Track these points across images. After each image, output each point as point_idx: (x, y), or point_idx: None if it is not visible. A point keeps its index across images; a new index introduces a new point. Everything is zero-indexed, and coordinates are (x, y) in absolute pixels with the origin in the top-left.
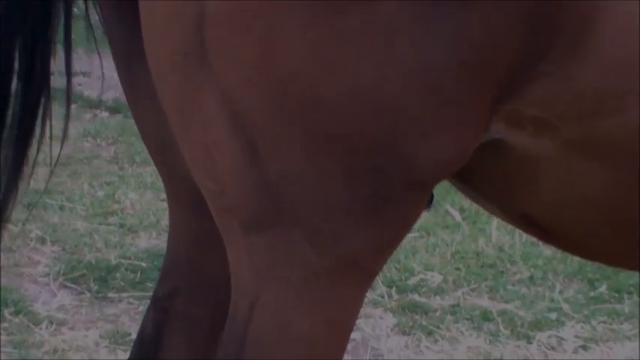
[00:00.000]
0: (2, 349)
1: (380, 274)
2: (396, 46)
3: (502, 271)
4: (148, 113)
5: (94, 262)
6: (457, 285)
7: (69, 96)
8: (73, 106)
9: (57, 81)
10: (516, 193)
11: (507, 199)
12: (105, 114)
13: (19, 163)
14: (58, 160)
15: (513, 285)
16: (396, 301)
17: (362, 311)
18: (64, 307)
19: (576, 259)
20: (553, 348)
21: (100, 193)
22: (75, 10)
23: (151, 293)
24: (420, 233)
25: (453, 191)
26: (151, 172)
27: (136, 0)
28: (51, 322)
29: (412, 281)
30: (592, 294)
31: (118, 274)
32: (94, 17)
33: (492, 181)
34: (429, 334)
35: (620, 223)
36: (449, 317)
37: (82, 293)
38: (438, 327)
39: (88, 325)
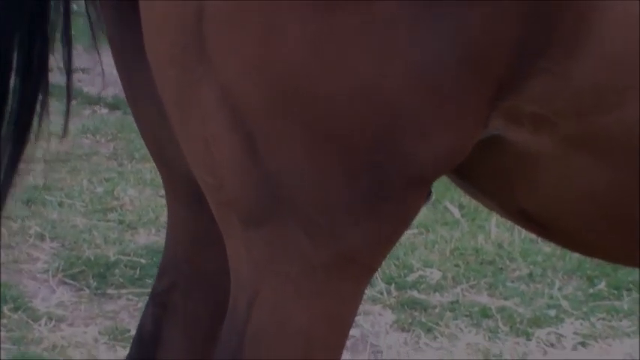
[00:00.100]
0: (1, 345)
1: (379, 270)
2: (396, 43)
3: (501, 268)
4: (147, 110)
5: (93, 258)
6: (456, 282)
7: (69, 93)
8: (73, 103)
9: (56, 77)
10: (515, 188)
11: (506, 195)
12: (104, 110)
13: (16, 159)
14: (54, 156)
15: (512, 282)
16: (395, 297)
17: (361, 308)
18: (63, 304)
19: (575, 256)
20: (552, 345)
21: (100, 190)
22: (74, 6)
23: (150, 290)
24: (419, 230)
25: (453, 188)
26: (150, 169)
27: None
28: (50, 319)
29: (411, 278)
30: (591, 291)
31: (117, 271)
32: (94, 14)
33: (491, 177)
34: (428, 330)
35: (617, 218)
36: (448, 314)
37: (81, 289)
38: (437, 324)
39: (87, 321)
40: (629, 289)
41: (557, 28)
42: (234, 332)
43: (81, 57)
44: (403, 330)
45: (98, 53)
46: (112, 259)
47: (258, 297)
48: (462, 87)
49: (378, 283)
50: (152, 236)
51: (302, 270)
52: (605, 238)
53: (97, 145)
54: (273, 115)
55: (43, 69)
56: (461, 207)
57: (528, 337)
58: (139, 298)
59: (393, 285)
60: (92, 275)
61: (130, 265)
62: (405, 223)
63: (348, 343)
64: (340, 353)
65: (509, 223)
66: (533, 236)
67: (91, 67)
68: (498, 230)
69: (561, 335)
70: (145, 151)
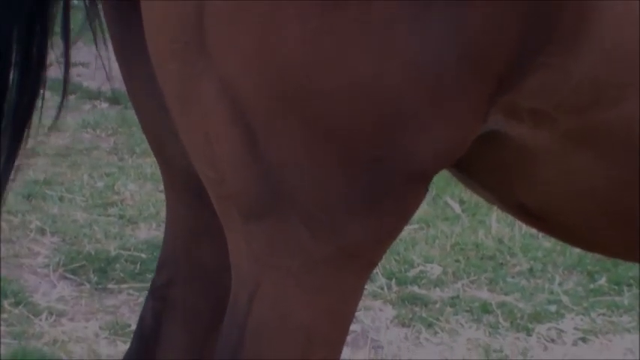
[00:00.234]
0: (2, 339)
1: (379, 266)
2: (395, 39)
3: (502, 263)
4: (148, 104)
5: (93, 253)
6: (457, 277)
7: (65, 86)
8: (72, 97)
9: (56, 72)
10: (514, 183)
11: (505, 189)
12: (104, 105)
13: (13, 153)
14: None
15: (513, 277)
16: (395, 293)
17: (361, 303)
18: (63, 298)
19: (576, 251)
20: (552, 340)
21: (100, 184)
22: (74, 1)
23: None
24: (420, 225)
25: (453, 183)
26: (150, 163)
27: None
28: (51, 313)
29: (412, 273)
30: (591, 286)
31: (117, 265)
32: (94, 8)
33: (490, 172)
34: (429, 326)
35: (616, 214)
36: (448, 309)
37: (82, 284)
38: (437, 319)
39: (88, 316)
40: (629, 285)
41: (556, 22)
42: (235, 326)
43: (81, 51)
44: (404, 325)
45: (97, 47)
46: (113, 253)
47: (258, 291)
48: (461, 84)
49: (378, 279)
50: (153, 231)
51: (303, 264)
52: (604, 234)
53: (97, 139)
54: (272, 110)
55: (42, 64)
56: (461, 202)
57: (529, 332)
58: (139, 292)
59: (394, 280)
60: (93, 270)
61: (130, 260)
62: (405, 218)
63: (349, 338)
64: (341, 348)
65: (509, 218)
66: (533, 231)
67: (90, 62)
68: (499, 225)
69: (562, 330)
70: (146, 145)
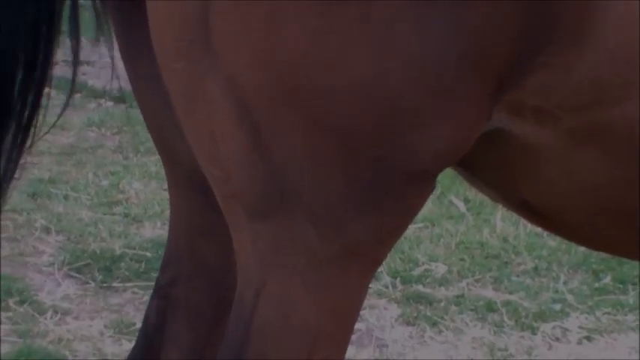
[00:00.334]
0: (7, 338)
1: (384, 264)
2: (396, 39)
3: (506, 262)
4: (153, 103)
5: (98, 251)
6: (461, 276)
7: (73, 86)
8: (77, 96)
9: (62, 70)
10: (518, 180)
11: (509, 187)
12: (109, 103)
13: (18, 151)
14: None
15: (518, 276)
16: (400, 291)
17: (366, 302)
18: (68, 297)
19: (581, 250)
20: (557, 339)
21: (105, 183)
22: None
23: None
24: (425, 224)
25: (458, 182)
26: (155, 162)
27: None
28: (55, 312)
29: (416, 272)
30: (596, 285)
31: (122, 264)
32: (100, 6)
33: (495, 169)
34: (434, 324)
35: (620, 212)
36: (453, 308)
37: (87, 283)
38: (442, 317)
39: (93, 314)
40: (634, 284)
41: (557, 20)
42: (241, 324)
43: (86, 50)
44: (408, 324)
45: (107, 46)
46: (118, 252)
47: (264, 289)
48: (462, 83)
49: (383, 277)
50: (157, 229)
51: (308, 263)
52: (608, 232)
53: (102, 138)
54: (276, 108)
55: (48, 62)
56: (466, 201)
57: (533, 331)
58: (144, 291)
59: (399, 279)
60: (98, 268)
61: (135, 259)
62: (409, 216)
63: (354, 336)
64: (346, 346)
65: (514, 217)
66: (538, 230)
67: (95, 60)
68: (504, 224)
69: (566, 329)
70: (151, 144)
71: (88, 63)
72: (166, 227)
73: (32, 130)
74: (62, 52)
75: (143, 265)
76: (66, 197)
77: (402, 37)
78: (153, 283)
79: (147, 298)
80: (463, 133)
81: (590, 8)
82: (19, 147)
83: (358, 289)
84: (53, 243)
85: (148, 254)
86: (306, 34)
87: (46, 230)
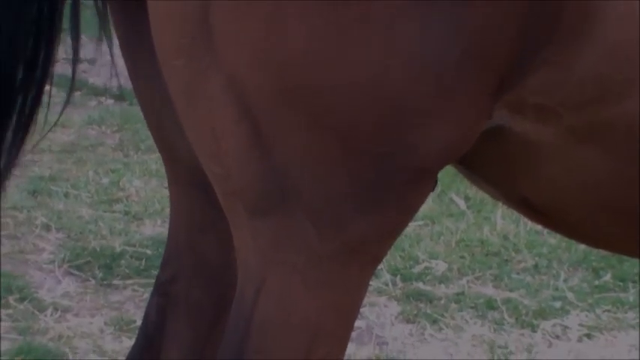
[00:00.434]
0: (7, 335)
1: (384, 262)
2: (397, 37)
3: (507, 260)
4: (153, 101)
5: (98, 249)
6: (462, 273)
7: (73, 84)
8: (78, 94)
9: (62, 68)
10: (519, 178)
11: (510, 184)
12: (110, 101)
13: (17, 149)
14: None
15: (518, 273)
16: (400, 289)
17: (366, 299)
18: (68, 294)
19: (581, 247)
20: (557, 336)
21: (105, 181)
22: None
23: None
24: (425, 221)
25: (458, 180)
26: (156, 160)
27: None
28: (56, 309)
29: (417, 269)
30: (596, 283)
31: (122, 262)
32: (100, 4)
33: (495, 167)
34: (434, 322)
35: (620, 210)
36: (453, 305)
37: (87, 280)
38: (442, 315)
39: (93, 312)
40: (634, 281)
41: (559, 19)
42: (241, 320)
43: (86, 47)
44: (408, 321)
45: (108, 44)
46: (118, 249)
47: (264, 286)
48: (464, 80)
49: (383, 275)
50: (158, 227)
51: (308, 260)
52: (608, 230)
53: (102, 136)
54: (277, 105)
55: (50, 60)
56: (466, 199)
57: (534, 328)
58: (144, 288)
59: (399, 276)
60: (98, 266)
61: (135, 256)
62: (410, 213)
63: (354, 334)
64: (346, 343)
65: (515, 214)
66: (538, 228)
67: (96, 58)
68: (504, 222)
69: (566, 327)
70: (151, 141)
71: (88, 61)
72: (167, 225)
73: (33, 127)
74: (62, 50)
75: (143, 262)
76: (66, 195)
77: (403, 36)
78: (153, 281)
79: (147, 295)
80: (464, 131)
81: (591, 6)
82: (18, 145)
83: (358, 285)
84: (53, 240)
85: (149, 252)
86: (307, 33)
87: (47, 228)
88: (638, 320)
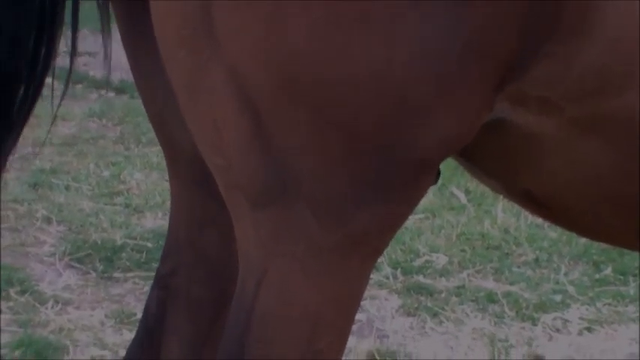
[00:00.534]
0: (8, 328)
1: (385, 255)
2: (399, 28)
3: (507, 253)
4: (154, 93)
5: (99, 242)
6: (462, 267)
7: (69, 76)
8: (79, 87)
9: (63, 61)
10: (520, 170)
11: (511, 177)
12: (111, 94)
13: (14, 141)
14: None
15: (518, 267)
16: (401, 282)
17: (367, 292)
18: (69, 287)
19: (582, 241)
20: (558, 330)
21: (106, 173)
22: None
23: None
24: (426, 215)
25: (459, 173)
26: (156, 153)
27: None
28: (56, 302)
29: (417, 263)
30: (597, 276)
31: (123, 254)
32: None
33: (496, 159)
34: (434, 315)
35: (621, 202)
36: (454, 299)
37: (88, 273)
38: (443, 308)
39: (94, 304)
40: (635, 275)
41: (560, 11)
42: (242, 312)
43: (87, 40)
44: (409, 315)
45: (103, 36)
46: (119, 242)
47: (265, 278)
48: (465, 74)
49: (384, 268)
50: (158, 220)
51: (309, 251)
52: (609, 222)
53: (103, 128)
54: (279, 98)
55: (51, 52)
56: (467, 192)
57: (534, 322)
58: (145, 281)
59: (399, 270)
60: (99, 259)
61: (136, 249)
62: (411, 205)
63: (354, 327)
64: (347, 334)
65: (515, 208)
66: (539, 221)
67: (97, 51)
68: (505, 215)
69: (567, 320)
70: (152, 134)
71: (89, 54)
72: (167, 218)
73: (32, 120)
74: (63, 43)
75: (144, 255)
76: (67, 188)
77: (405, 28)
78: (154, 274)
79: (148, 288)
80: (465, 123)
81: (591, 4)
82: (15, 137)
83: (359, 277)
84: (54, 233)
85: (149, 245)
86: (308, 26)
87: (48, 220)
88: (638, 314)
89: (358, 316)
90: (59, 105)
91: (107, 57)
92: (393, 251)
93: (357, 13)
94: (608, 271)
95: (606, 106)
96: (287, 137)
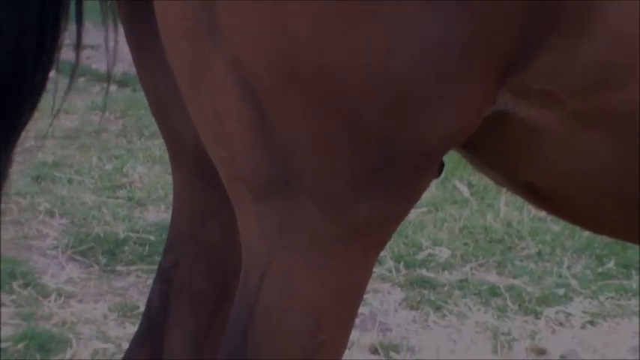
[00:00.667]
0: (11, 321)
1: (388, 248)
2: (403, 19)
3: (510, 247)
4: (157, 86)
5: (102, 235)
6: (465, 260)
7: (74, 71)
8: (81, 80)
9: (66, 54)
10: (522, 163)
11: (513, 169)
12: (113, 87)
13: (17, 136)
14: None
15: (521, 260)
16: (404, 275)
17: (370, 286)
18: (72, 280)
19: (584, 234)
20: (561, 323)
21: (109, 167)
22: None
23: None
24: (429, 208)
25: (462, 167)
26: (159, 146)
27: None
28: (59, 295)
29: (420, 256)
30: (600, 270)
31: (126, 248)
32: None
33: (499, 152)
34: (437, 308)
35: (623, 195)
36: (457, 292)
37: (91, 266)
38: (445, 302)
39: (97, 297)
40: (637, 269)
41: (562, 9)
42: (246, 304)
43: (90, 33)
44: (412, 308)
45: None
46: (122, 235)
47: (268, 270)
48: (468, 65)
49: (387, 261)
50: (161, 213)
51: (312, 244)
52: (611, 215)
53: (106, 122)
54: (281, 88)
55: (55, 45)
56: (470, 185)
57: (537, 315)
58: (148, 274)
59: (402, 263)
60: (101, 252)
61: (139, 242)
62: (414, 197)
63: (357, 320)
64: (350, 327)
65: (518, 201)
66: (542, 215)
67: (99, 44)
68: (507, 209)
69: (570, 314)
70: (155, 128)
71: (92, 47)
72: (170, 211)
73: (37, 113)
74: (66, 36)
75: (147, 248)
76: (70, 181)
77: (409, 18)
78: (156, 267)
79: (150, 281)
80: (468, 115)
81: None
82: (20, 130)
83: (362, 269)
84: (57, 226)
85: (152, 238)
86: (312, 15)
87: (50, 214)
88: None
89: (361, 310)
90: (63, 99)
91: (109, 50)
92: (395, 245)
93: (359, 3)
94: (611, 264)
95: (608, 99)
96: (289, 128)
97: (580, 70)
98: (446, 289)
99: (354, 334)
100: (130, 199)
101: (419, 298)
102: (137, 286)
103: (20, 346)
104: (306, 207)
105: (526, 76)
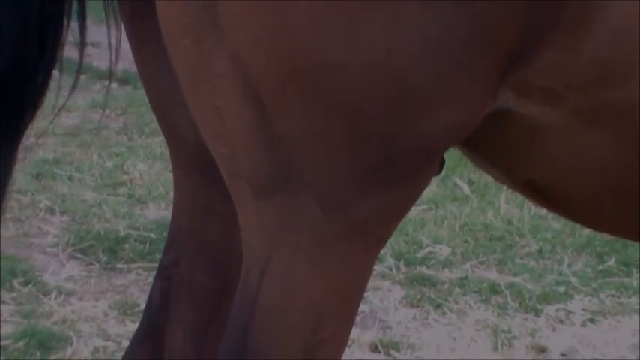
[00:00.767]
0: (11, 318)
1: (388, 246)
2: (404, 16)
3: (510, 244)
4: (158, 84)
5: (102, 232)
6: (465, 258)
7: (78, 69)
8: (82, 77)
9: (67, 51)
10: (523, 160)
11: (514, 167)
12: (114, 85)
13: (23, 133)
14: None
15: (522, 258)
16: (404, 273)
17: (370, 283)
18: (72, 278)
19: (585, 232)
20: (561, 321)
21: (109, 164)
22: None
23: None
24: (429, 206)
25: (462, 164)
26: (160, 143)
27: None
28: (60, 292)
29: (421, 254)
30: (600, 267)
31: (126, 245)
32: None
33: (500, 149)
34: (437, 306)
35: (624, 193)
36: (457, 290)
37: (91, 264)
38: (446, 299)
39: (97, 295)
40: (638, 266)
41: (565, 4)
42: (246, 301)
43: (91, 31)
44: (412, 306)
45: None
46: (122, 233)
47: (269, 267)
48: (469, 62)
49: (387, 259)
50: (162, 211)
51: (313, 241)
52: (612, 213)
53: (106, 119)
54: (282, 85)
55: (58, 43)
56: (470, 183)
57: (537, 313)
58: (148, 272)
59: (403, 261)
60: (102, 249)
61: (139, 240)
62: (415, 194)
63: (358, 318)
64: (351, 323)
65: (518, 199)
66: (542, 212)
67: (100, 41)
68: (508, 206)
69: (570, 311)
70: (155, 125)
71: (93, 44)
72: (171, 208)
73: (36, 112)
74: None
75: (147, 246)
76: (70, 178)
77: (410, 15)
78: (157, 264)
79: (151, 279)
80: (469, 112)
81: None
82: (24, 128)
83: (363, 266)
84: (57, 224)
85: (153, 235)
86: (314, 12)
87: (51, 211)
88: None
89: (361, 307)
90: (67, 98)
91: (111, 48)
92: (396, 242)
93: (359, 3)
94: (612, 262)
95: (609, 96)
96: (289, 127)
97: (581, 67)
98: (446, 286)
99: (355, 332)
100: (130, 196)
101: (419, 296)
102: (138, 284)
103: (20, 343)
104: (307, 203)
105: (527, 73)
